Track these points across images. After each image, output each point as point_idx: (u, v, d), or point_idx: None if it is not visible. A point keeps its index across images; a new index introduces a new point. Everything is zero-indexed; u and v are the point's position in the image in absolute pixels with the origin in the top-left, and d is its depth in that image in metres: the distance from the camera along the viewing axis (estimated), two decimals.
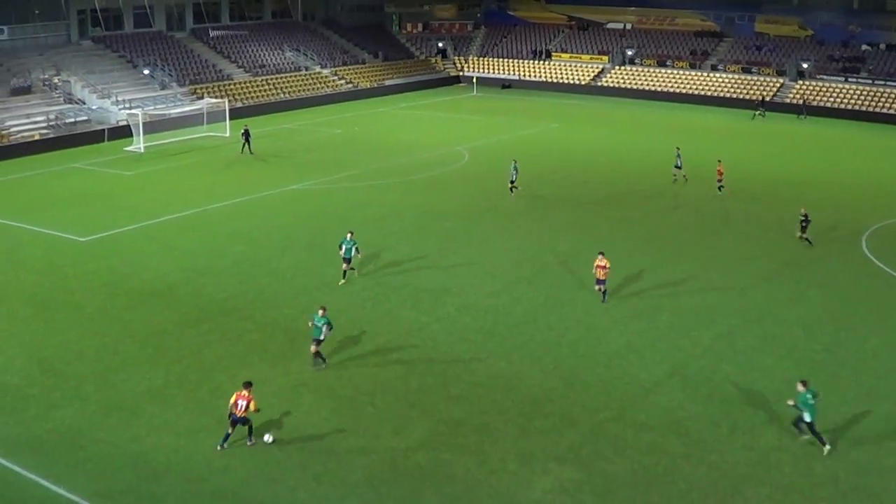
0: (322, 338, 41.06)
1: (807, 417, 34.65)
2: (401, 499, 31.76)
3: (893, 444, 35.39)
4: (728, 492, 32.18)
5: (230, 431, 34.23)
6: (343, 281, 52.58)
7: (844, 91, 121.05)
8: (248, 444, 34.72)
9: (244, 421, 34.27)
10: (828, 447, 34.46)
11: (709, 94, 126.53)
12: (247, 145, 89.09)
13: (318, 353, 41.30)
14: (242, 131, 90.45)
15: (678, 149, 78.07)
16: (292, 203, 69.96)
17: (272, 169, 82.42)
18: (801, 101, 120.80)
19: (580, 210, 68.26)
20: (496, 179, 77.06)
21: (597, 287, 49.23)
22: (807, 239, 58.27)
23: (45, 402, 38.30)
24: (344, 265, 52.44)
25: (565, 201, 71.04)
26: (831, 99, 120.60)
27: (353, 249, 52.04)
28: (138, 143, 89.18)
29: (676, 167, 77.03)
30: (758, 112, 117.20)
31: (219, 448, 34.20)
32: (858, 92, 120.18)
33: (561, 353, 43.40)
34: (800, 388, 35.19)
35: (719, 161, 74.51)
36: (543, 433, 36.01)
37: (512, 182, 72.25)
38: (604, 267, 48.64)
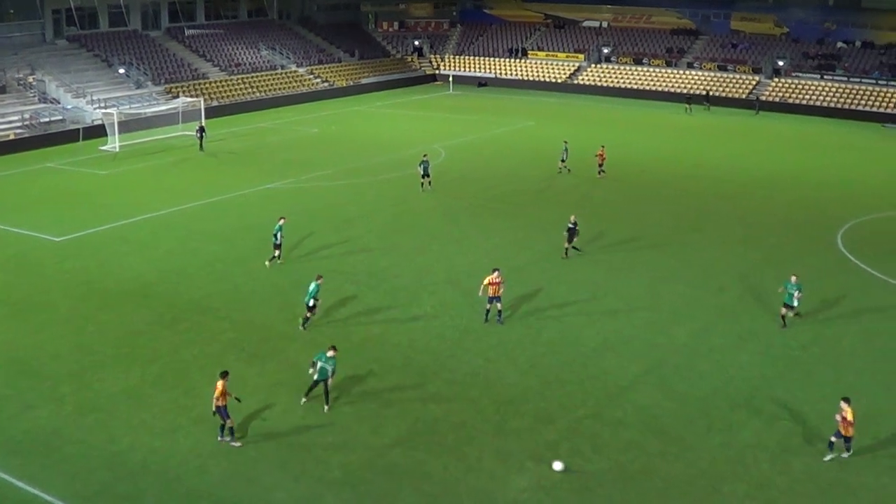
0: (328, 378, 38.06)
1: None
2: (378, 497, 31.75)
3: (870, 440, 35.50)
4: (706, 489, 32.26)
5: (221, 423, 34.76)
6: (281, 261, 55.10)
7: (820, 88, 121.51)
8: (227, 440, 34.87)
9: (219, 412, 34.43)
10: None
11: (685, 91, 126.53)
12: (202, 142, 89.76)
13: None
14: (197, 129, 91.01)
15: (566, 142, 79.97)
16: (268, 202, 69.80)
17: (248, 168, 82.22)
18: (754, 98, 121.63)
19: (560, 207, 68.24)
20: (473, 177, 77.23)
21: (488, 305, 46.33)
22: (574, 247, 56.55)
23: (20, 403, 38.11)
24: (276, 252, 54.68)
25: (543, 198, 71.08)
26: (807, 96, 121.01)
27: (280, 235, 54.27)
28: (113, 143, 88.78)
29: (562, 160, 78.95)
30: (704, 105, 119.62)
31: (219, 439, 34.88)
32: (834, 89, 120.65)
33: (537, 351, 43.43)
34: (793, 279, 43.25)
35: (602, 147, 77.56)
36: (520, 431, 36.03)
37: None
38: (498, 283, 45.67)
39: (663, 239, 60.70)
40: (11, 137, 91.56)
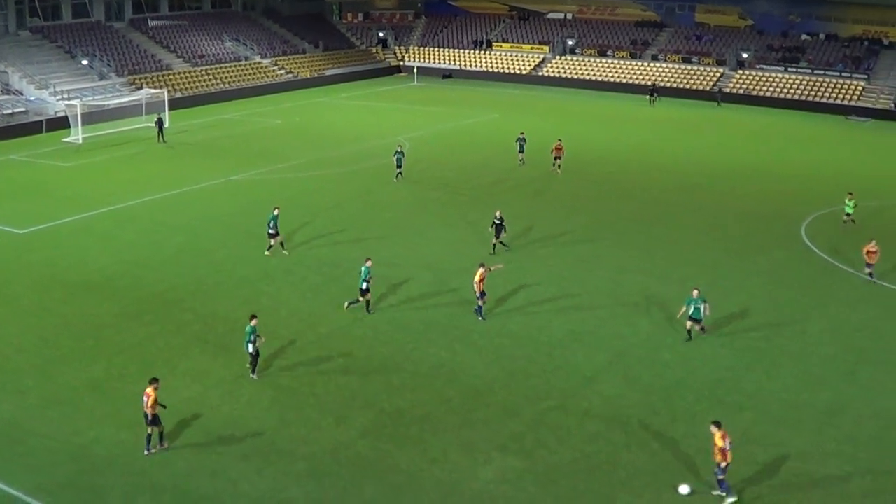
0: (252, 351, 39.63)
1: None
2: (343, 489, 31.77)
3: (834, 430, 35.83)
4: (670, 480, 32.37)
5: (149, 432, 33.58)
6: (285, 252, 55.02)
7: (784, 80, 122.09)
8: (158, 448, 33.81)
9: (151, 420, 33.38)
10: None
11: (649, 83, 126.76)
12: (160, 134, 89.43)
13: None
14: (155, 120, 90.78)
15: (522, 133, 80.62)
16: (232, 194, 69.67)
17: (212, 159, 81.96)
18: (716, 90, 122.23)
19: (525, 199, 68.41)
20: (438, 169, 77.28)
21: (480, 301, 46.23)
22: (502, 243, 55.91)
23: None
24: (277, 239, 54.81)
25: (507, 191, 71.16)
26: (771, 88, 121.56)
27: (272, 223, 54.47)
28: (77, 135, 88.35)
29: (520, 151, 79.35)
30: (651, 98, 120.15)
31: (145, 453, 33.44)
32: (798, 81, 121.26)
33: (502, 342, 43.51)
34: (694, 293, 41.25)
35: (559, 140, 77.34)
36: (486, 423, 36.12)
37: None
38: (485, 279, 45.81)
39: (627, 231, 60.92)
40: None
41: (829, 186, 73.77)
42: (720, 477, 30.52)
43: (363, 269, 46.13)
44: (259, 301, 48.00)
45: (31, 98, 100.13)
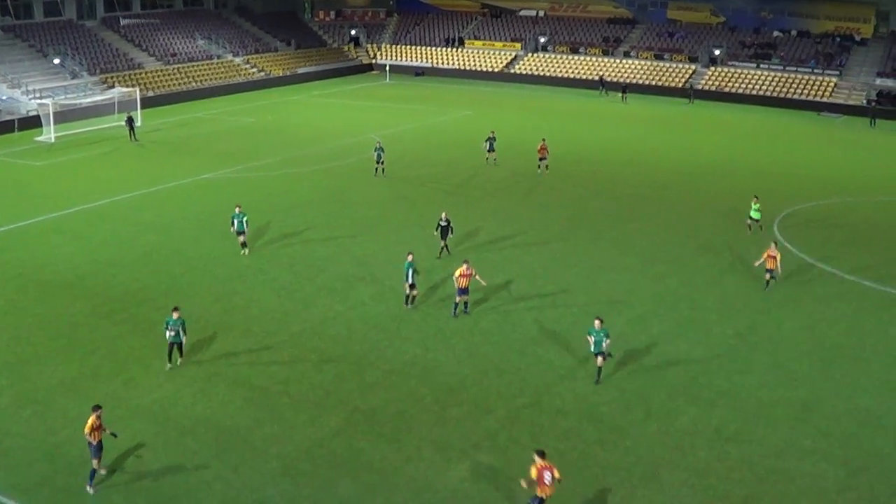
0: (182, 340, 40.40)
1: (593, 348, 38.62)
2: (317, 487, 31.80)
3: (809, 427, 36.01)
4: (644, 476, 32.55)
5: (93, 465, 31.70)
6: (245, 251, 54.78)
7: (756, 77, 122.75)
8: (87, 487, 31.68)
9: (94, 449, 31.54)
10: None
11: (622, 80, 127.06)
12: (132, 133, 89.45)
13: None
14: (126, 119, 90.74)
15: (493, 132, 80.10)
16: (205, 192, 69.57)
17: (184, 158, 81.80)
18: (688, 86, 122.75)
19: (499, 197, 68.54)
20: (410, 167, 77.35)
21: (458, 298, 46.40)
22: (446, 246, 55.16)
23: None
24: (240, 238, 54.74)
25: (480, 188, 71.26)
26: (743, 85, 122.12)
27: (244, 222, 54.55)
28: (49, 134, 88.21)
29: (489, 150, 79.06)
30: (601, 91, 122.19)
31: (88, 488, 31.55)
32: (770, 78, 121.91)
33: (475, 340, 43.59)
34: (597, 324, 38.56)
35: (543, 139, 77.13)
36: (459, 420, 36.20)
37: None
38: (469, 276, 45.93)
39: (601, 228, 61.07)
40: None
41: (802, 183, 74.27)
42: None
43: (405, 264, 46.53)
44: (231, 300, 48.00)
45: (3, 97, 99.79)
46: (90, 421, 31.23)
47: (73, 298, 48.36)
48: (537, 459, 28.81)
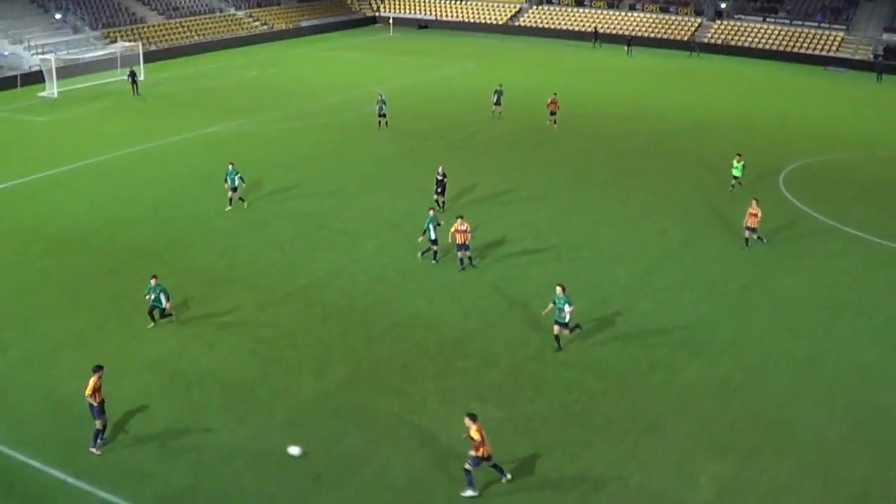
0: (164, 305, 39.95)
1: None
2: (323, 439, 31.90)
3: (813, 380, 36.10)
4: (648, 427, 32.66)
5: (97, 425, 31.38)
6: (229, 208, 54.59)
7: (762, 31, 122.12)
8: (92, 449, 31.34)
9: (96, 410, 31.15)
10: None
11: (627, 33, 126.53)
12: (135, 87, 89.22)
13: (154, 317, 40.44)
14: (128, 73, 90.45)
15: (500, 85, 79.94)
16: (208, 146, 69.48)
17: (187, 112, 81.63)
18: (692, 40, 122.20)
19: (503, 151, 68.44)
20: (414, 121, 77.21)
21: (459, 253, 46.41)
22: (443, 203, 54.85)
23: None
24: (230, 193, 54.62)
25: (484, 142, 71.17)
26: (749, 39, 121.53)
27: (238, 179, 54.55)
28: (51, 89, 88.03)
29: (495, 104, 78.73)
30: (594, 43, 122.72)
31: (92, 449, 31.22)
32: (776, 32, 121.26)
33: (480, 292, 43.63)
34: (559, 290, 37.32)
35: (554, 94, 76.46)
36: (464, 372, 36.30)
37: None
38: (464, 231, 45.76)
39: (605, 181, 61.03)
40: None
41: (807, 138, 74.07)
42: (467, 467, 28.93)
43: (427, 219, 46.39)
44: (236, 253, 48.05)
45: (5, 53, 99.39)
46: (91, 382, 30.95)
47: (77, 253, 48.40)
48: (472, 423, 28.65)
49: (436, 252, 47.06)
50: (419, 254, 47.25)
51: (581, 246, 49.53)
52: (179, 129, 74.56)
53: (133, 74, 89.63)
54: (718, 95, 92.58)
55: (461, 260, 46.42)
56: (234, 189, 54.65)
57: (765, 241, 49.62)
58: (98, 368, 31.37)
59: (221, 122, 77.49)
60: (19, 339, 38.96)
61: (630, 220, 53.51)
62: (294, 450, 30.35)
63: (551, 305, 38.03)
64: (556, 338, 38.05)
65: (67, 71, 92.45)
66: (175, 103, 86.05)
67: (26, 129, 76.59)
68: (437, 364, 36.95)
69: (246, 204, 54.78)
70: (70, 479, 29.71)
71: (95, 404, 30.99)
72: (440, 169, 54.70)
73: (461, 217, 46.31)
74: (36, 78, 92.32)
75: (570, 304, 37.32)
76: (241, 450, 31.21)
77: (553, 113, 75.14)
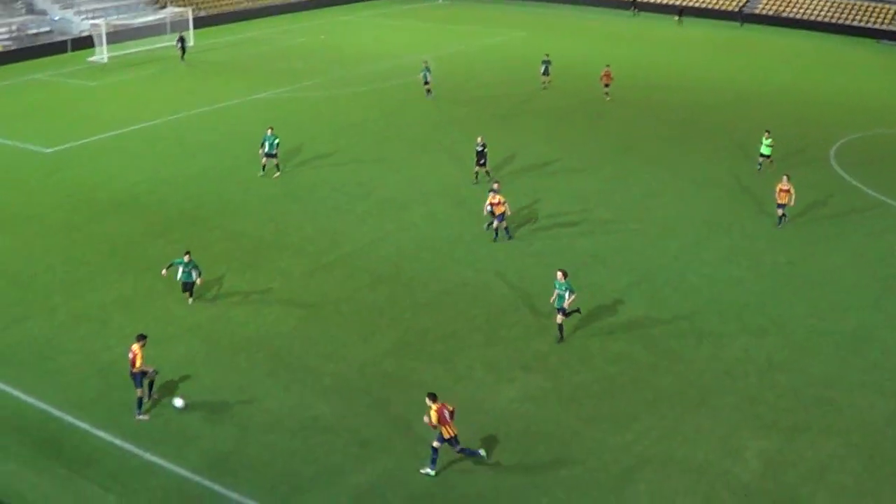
0: (195, 280, 39.06)
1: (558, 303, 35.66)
2: (369, 405, 32.04)
3: (859, 358, 35.81)
4: (694, 401, 32.55)
5: (138, 394, 31.47)
6: (264, 173, 54.63)
7: (813, 3, 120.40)
8: (138, 415, 31.37)
9: (139, 378, 31.06)
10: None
11: (678, 2, 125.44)
12: (183, 53, 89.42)
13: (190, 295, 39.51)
14: (178, 38, 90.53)
15: (547, 55, 79.02)
16: (258, 112, 69.55)
17: (237, 78, 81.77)
18: (738, 9, 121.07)
19: (552, 120, 68.21)
20: (464, 89, 77.05)
21: (495, 224, 45.80)
22: (487, 172, 54.00)
23: (13, 315, 38.28)
24: (265, 160, 54.60)
25: (533, 110, 70.94)
26: (800, 11, 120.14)
27: (276, 144, 54.32)
28: (102, 54, 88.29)
29: (543, 73, 77.96)
30: (633, 11, 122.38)
31: (137, 417, 31.31)
32: (828, 4, 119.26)
33: (527, 262, 43.57)
34: (559, 276, 35.99)
35: (607, 66, 75.01)
36: (510, 342, 36.30)
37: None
38: (498, 203, 45.24)
39: (654, 152, 60.65)
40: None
41: (859, 112, 73.25)
42: (435, 444, 28.52)
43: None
44: (284, 219, 48.19)
45: (56, 18, 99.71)
46: (139, 353, 30.88)
47: (127, 217, 48.69)
48: (432, 403, 28.23)
49: (265, 166, 50.46)
50: (485, 226, 47.05)
51: (628, 217, 49.31)
52: (228, 96, 74.71)
53: (182, 40, 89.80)
54: (769, 67, 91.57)
55: (495, 230, 46.00)
56: (272, 155, 54.60)
57: (787, 219, 48.57)
58: (142, 337, 31.44)
59: (270, 88, 77.56)
60: (68, 302, 39.28)
61: (678, 193, 53.18)
62: (178, 402, 31.11)
63: (556, 292, 36.40)
64: (560, 327, 36.49)
65: (117, 36, 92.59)
66: (223, 69, 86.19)
67: (77, 93, 77.01)
68: (483, 333, 36.99)
69: (279, 173, 54.89)
70: (117, 441, 30.00)
71: (137, 372, 31.03)
72: (479, 139, 53.91)
73: (493, 190, 45.90)
74: (86, 43, 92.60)
75: (571, 292, 35.95)
76: (287, 415, 31.37)
77: (607, 85, 74.44)
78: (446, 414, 28.23)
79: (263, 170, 54.80)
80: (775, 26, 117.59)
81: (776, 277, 42.57)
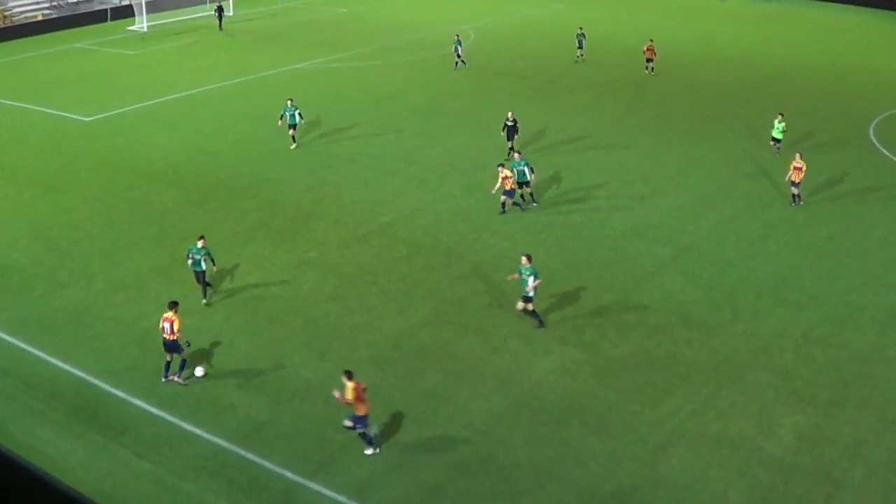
0: (204, 269, 37.05)
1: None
2: (404, 375, 32.14)
3: None
4: (729, 376, 32.41)
5: (168, 359, 31.81)
6: (295, 145, 54.67)
7: None
8: (175, 378, 31.68)
9: (174, 346, 31.28)
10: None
11: None
12: (220, 22, 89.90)
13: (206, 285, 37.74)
14: (216, 8, 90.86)
15: (581, 28, 77.79)
16: (297, 82, 69.61)
17: (276, 48, 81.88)
18: None
19: (590, 93, 67.93)
20: (502, 61, 76.76)
21: (503, 199, 45.31)
22: (511, 148, 52.21)
23: (51, 281, 38.61)
24: (291, 131, 54.50)
25: (569, 84, 70.61)
26: None
27: (297, 115, 54.06)
28: (141, 23, 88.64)
29: (579, 47, 77.03)
30: None
31: (163, 380, 31.75)
32: None
33: (564, 234, 43.48)
34: (524, 261, 35.12)
35: (650, 41, 73.96)
36: (546, 314, 36.15)
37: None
38: (507, 178, 44.41)
39: (691, 126, 60.23)
40: (39, 18, 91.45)
41: None
42: (360, 430, 28.30)
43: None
44: (322, 189, 48.28)
45: None
46: (176, 320, 30.94)
47: (165, 186, 48.92)
48: (349, 381, 27.83)
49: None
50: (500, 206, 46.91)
51: (667, 191, 49.05)
52: (268, 65, 74.83)
53: (220, 9, 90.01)
54: (807, 41, 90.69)
55: (503, 204, 45.61)
56: (294, 126, 54.46)
57: (803, 202, 47.58)
58: (175, 304, 31.50)
59: (309, 58, 77.61)
60: (105, 270, 39.55)
61: (718, 164, 52.81)
62: (198, 371, 31.44)
63: (517, 275, 35.53)
64: (534, 314, 35.29)
65: (157, 5, 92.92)
66: (262, 39, 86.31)
67: (116, 62, 77.31)
68: None
69: (296, 145, 54.84)
70: (153, 409, 30.25)
71: (176, 340, 31.09)
72: (510, 115, 53.20)
73: (502, 165, 45.38)
74: (126, 12, 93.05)
75: (536, 277, 34.69)
76: (321, 385, 31.45)
77: (649, 60, 73.73)
78: (362, 392, 28.01)
79: (294, 141, 54.94)
80: (816, 0, 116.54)
81: (814, 252, 42.24)
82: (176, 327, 30.84)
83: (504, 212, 45.71)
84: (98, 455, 28.13)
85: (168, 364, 31.76)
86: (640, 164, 52.98)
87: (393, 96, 66.01)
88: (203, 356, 32.98)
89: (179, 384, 31.52)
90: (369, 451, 28.42)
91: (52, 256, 41.01)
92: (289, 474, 27.24)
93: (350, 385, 27.77)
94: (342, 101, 63.65)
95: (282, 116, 54.50)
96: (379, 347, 33.86)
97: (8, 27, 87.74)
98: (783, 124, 52.74)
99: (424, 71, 73.67)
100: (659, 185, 49.72)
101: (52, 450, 28.19)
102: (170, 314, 31.04)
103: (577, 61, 76.45)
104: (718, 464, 27.76)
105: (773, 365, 33.07)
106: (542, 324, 35.48)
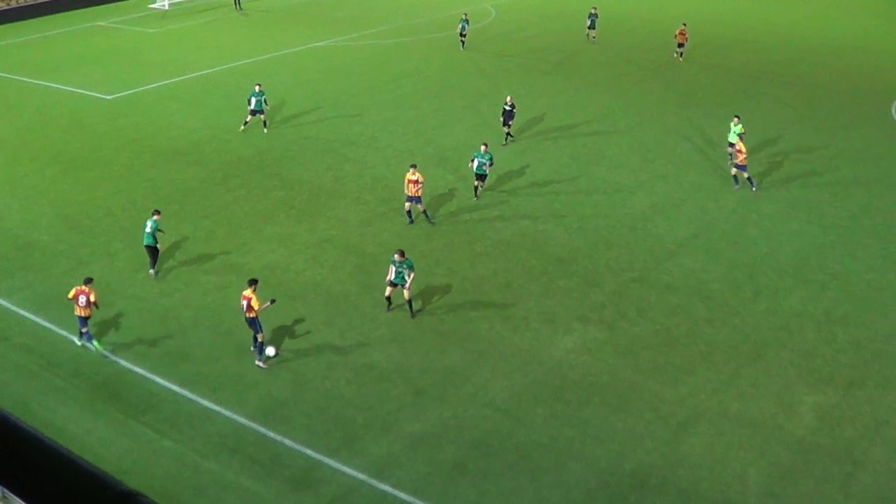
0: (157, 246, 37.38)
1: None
2: (424, 354, 32.16)
3: None
4: (750, 355, 32.36)
5: (259, 338, 31.36)
6: (242, 128, 53.94)
7: None
8: (256, 363, 31.55)
9: (252, 324, 31.08)
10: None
11: None
12: (237, 1, 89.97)
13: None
14: None
15: (594, 8, 76.01)
16: (318, 60, 69.65)
17: (297, 26, 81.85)
18: None
19: (606, 71, 67.71)
20: (521, 39, 76.60)
21: (407, 204, 42.00)
22: (509, 134, 52.25)
23: (73, 259, 38.77)
24: (258, 116, 53.52)
25: (585, 66, 70.37)
26: None
27: (263, 101, 53.05)
28: (162, 1, 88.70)
29: (589, 27, 75.75)
30: None
31: (257, 363, 31.52)
32: None
33: (585, 213, 43.42)
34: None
35: (683, 25, 72.39)
36: (567, 293, 36.22)
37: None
38: (416, 182, 41.29)
39: (715, 104, 59.94)
40: None
41: None
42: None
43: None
44: (343, 167, 48.30)
45: None
46: (251, 295, 30.73)
47: (187, 164, 49.01)
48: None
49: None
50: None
51: (688, 169, 48.90)
52: (287, 44, 74.83)
53: None
54: (831, 19, 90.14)
55: (409, 212, 42.52)
56: (259, 111, 53.14)
57: (755, 188, 46.30)
58: (253, 282, 31.32)
59: (327, 36, 77.55)
60: (128, 248, 39.63)
61: None
62: (270, 350, 31.24)
63: (392, 267, 34.13)
64: (409, 303, 34.58)
65: None
66: (280, 17, 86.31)
67: (137, 40, 77.38)
68: (540, 284, 36.93)
69: (266, 130, 54.05)
70: (174, 387, 30.34)
71: (256, 317, 31.01)
72: (508, 99, 52.43)
73: (414, 166, 42.33)
74: None
75: (411, 269, 33.96)
76: (342, 362, 31.56)
77: (681, 45, 72.54)
78: (81, 299, 31.11)
79: (245, 125, 53.82)
80: None
81: (836, 231, 42.09)
82: (255, 306, 30.71)
83: (411, 221, 43.11)
84: (119, 432, 28.25)
85: (261, 345, 31.22)
86: (661, 141, 52.84)
87: (412, 74, 65.97)
88: (225, 334, 33.06)
89: (259, 367, 31.37)
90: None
91: (74, 234, 41.16)
92: (309, 452, 27.30)
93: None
94: (362, 79, 63.63)
95: (248, 101, 53.37)
96: (400, 325, 33.89)
97: (29, 5, 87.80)
98: (739, 127, 48.73)
99: (441, 50, 73.48)
100: (681, 162, 49.61)
101: (73, 427, 28.31)
102: (247, 291, 31.00)
103: (591, 41, 75.59)
104: (739, 443, 27.73)
105: (794, 344, 32.98)
106: (413, 314, 34.56)
